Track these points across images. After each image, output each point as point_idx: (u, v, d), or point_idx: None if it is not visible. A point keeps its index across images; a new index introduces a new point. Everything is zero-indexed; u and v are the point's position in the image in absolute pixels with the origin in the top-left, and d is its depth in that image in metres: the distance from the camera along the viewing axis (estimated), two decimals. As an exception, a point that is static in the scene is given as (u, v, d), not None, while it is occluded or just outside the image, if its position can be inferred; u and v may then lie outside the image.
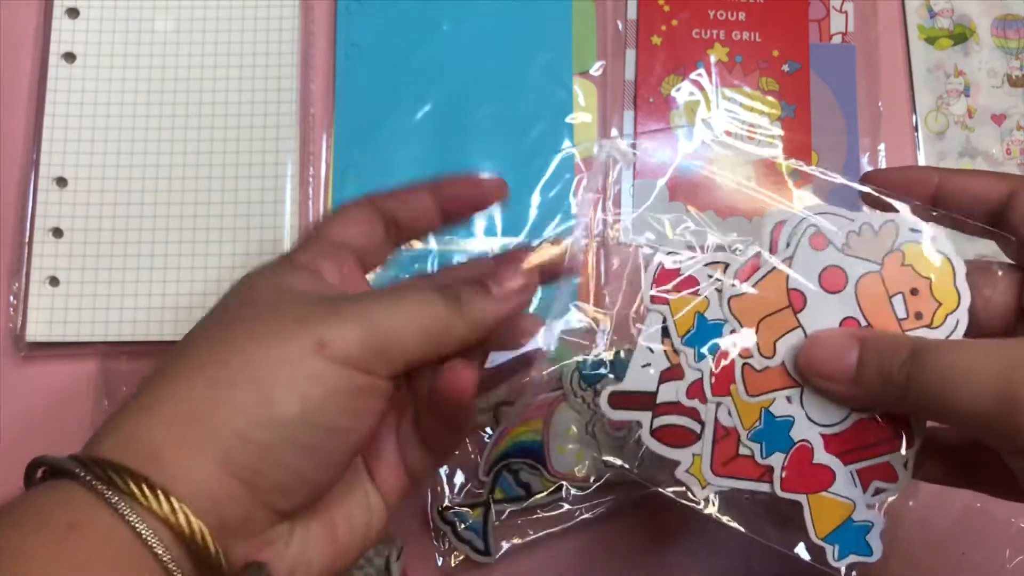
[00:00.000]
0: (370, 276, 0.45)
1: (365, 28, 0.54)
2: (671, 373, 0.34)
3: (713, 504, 0.34)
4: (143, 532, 0.26)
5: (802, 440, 0.33)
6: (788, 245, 0.34)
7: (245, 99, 0.52)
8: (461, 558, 0.46)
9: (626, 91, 0.54)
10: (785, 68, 0.54)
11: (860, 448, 0.33)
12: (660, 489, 0.35)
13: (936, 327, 0.33)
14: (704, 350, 0.34)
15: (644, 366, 0.34)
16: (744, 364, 0.34)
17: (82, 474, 0.26)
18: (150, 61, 0.52)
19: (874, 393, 0.32)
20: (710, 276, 0.34)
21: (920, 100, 0.55)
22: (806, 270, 0.34)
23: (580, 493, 0.47)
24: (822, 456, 0.33)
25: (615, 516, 0.47)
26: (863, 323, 0.33)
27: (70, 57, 0.52)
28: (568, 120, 0.53)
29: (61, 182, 0.50)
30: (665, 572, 0.47)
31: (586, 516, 0.47)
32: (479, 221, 0.52)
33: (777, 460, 0.33)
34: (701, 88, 0.53)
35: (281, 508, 0.29)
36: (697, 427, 0.34)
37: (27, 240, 0.50)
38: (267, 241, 0.50)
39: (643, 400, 0.34)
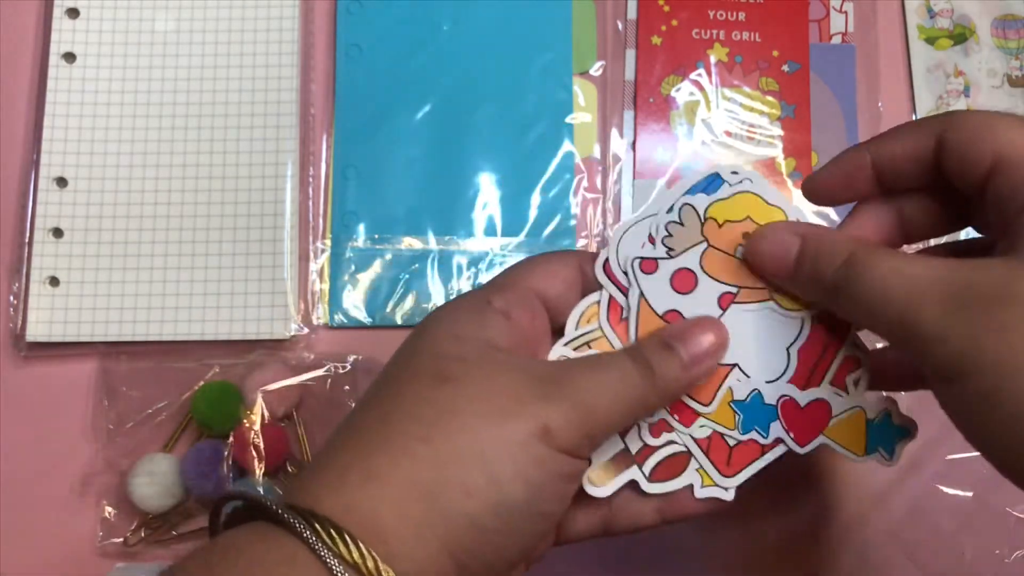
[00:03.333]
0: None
1: (365, 28, 0.54)
2: None
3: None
4: None
5: (781, 397, 0.34)
6: (629, 282, 0.35)
7: (245, 99, 0.52)
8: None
9: (626, 91, 0.54)
10: (785, 68, 0.54)
11: (816, 366, 0.34)
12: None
13: None
14: None
15: None
16: None
17: (310, 537, 0.26)
18: (150, 61, 0.52)
19: (807, 292, 0.33)
20: (587, 346, 0.35)
21: (920, 100, 0.55)
22: (659, 292, 0.34)
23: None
24: (804, 396, 0.34)
25: (615, 516, 0.47)
26: (734, 292, 0.34)
27: (70, 57, 0.52)
28: (568, 120, 0.53)
29: (61, 182, 0.50)
30: (665, 572, 0.47)
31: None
32: (479, 221, 0.52)
33: (777, 429, 0.34)
34: (701, 88, 0.53)
35: None
36: (683, 448, 0.34)
37: (27, 240, 0.50)
38: (267, 241, 0.50)
39: (621, 461, 0.34)
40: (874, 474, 0.48)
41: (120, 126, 0.51)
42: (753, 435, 0.34)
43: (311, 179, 0.52)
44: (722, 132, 0.53)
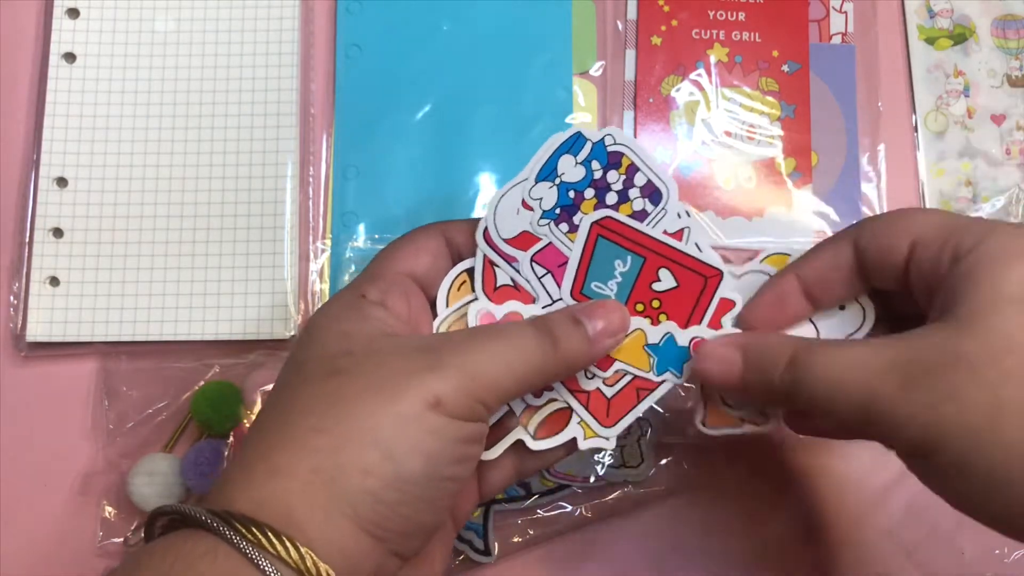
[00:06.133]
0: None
1: (365, 28, 0.54)
2: None
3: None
4: None
5: (692, 339, 0.35)
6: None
7: (245, 99, 0.52)
8: (461, 558, 0.46)
9: (626, 91, 0.54)
10: (785, 68, 0.54)
11: (696, 306, 0.35)
12: None
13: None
14: None
15: None
16: None
17: (228, 533, 0.27)
18: (150, 61, 0.52)
19: (761, 399, 0.34)
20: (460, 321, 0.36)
21: (920, 100, 0.55)
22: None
23: (580, 493, 0.47)
24: (714, 336, 0.35)
25: (615, 516, 0.47)
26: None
27: (70, 57, 0.52)
28: (568, 120, 0.53)
29: (61, 182, 0.50)
30: (664, 572, 0.47)
31: (586, 516, 0.47)
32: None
33: (691, 369, 0.35)
34: (701, 88, 0.53)
35: (405, 554, 0.30)
36: (564, 404, 0.35)
37: (27, 240, 0.50)
38: (267, 241, 0.50)
39: (507, 422, 0.35)
40: (874, 474, 0.48)
41: (120, 126, 0.51)
42: (667, 376, 0.35)
43: (311, 179, 0.52)
44: (722, 132, 0.53)
